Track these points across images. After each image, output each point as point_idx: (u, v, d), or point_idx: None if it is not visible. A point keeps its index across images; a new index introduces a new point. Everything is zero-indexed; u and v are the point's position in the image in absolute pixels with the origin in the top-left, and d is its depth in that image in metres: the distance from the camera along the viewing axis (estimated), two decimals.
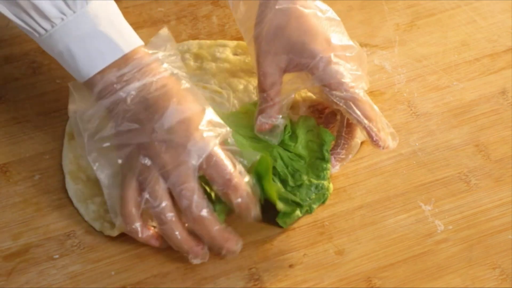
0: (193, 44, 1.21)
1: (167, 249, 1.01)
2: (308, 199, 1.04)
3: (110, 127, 1.00)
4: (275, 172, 1.05)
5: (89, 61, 1.00)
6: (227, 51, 1.21)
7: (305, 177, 1.05)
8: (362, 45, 1.23)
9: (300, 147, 1.07)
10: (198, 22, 1.26)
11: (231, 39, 1.23)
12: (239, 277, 0.99)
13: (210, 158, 0.96)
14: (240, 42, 1.21)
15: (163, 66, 1.01)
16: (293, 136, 1.08)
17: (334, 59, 1.05)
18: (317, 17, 1.08)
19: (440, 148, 1.12)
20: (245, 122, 1.09)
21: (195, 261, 0.98)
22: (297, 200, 1.03)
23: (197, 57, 1.20)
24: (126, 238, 1.02)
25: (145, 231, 0.98)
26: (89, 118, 1.02)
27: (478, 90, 1.18)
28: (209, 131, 0.98)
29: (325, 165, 1.06)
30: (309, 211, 1.04)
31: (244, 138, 1.08)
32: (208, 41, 1.22)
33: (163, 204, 0.96)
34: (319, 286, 0.99)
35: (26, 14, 0.98)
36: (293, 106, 1.12)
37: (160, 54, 1.02)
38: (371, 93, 1.17)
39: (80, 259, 1.01)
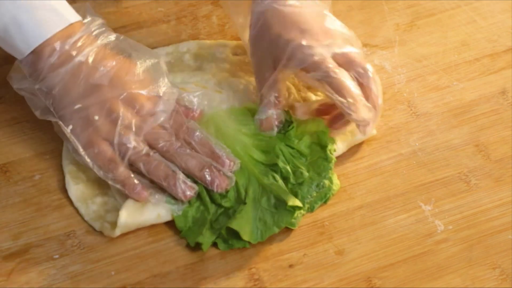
0: (193, 44, 1.21)
1: (167, 249, 1.01)
2: (309, 196, 1.04)
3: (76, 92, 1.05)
4: (277, 169, 1.05)
5: (37, 29, 1.03)
6: (227, 51, 1.21)
7: (306, 175, 1.05)
8: (362, 45, 1.23)
9: (303, 145, 1.08)
10: (198, 22, 1.26)
11: (231, 39, 1.23)
12: (239, 277, 0.99)
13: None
14: (240, 42, 1.21)
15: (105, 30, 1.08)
16: (299, 133, 1.08)
17: (304, 42, 1.06)
18: (295, 12, 1.09)
19: (440, 148, 1.12)
20: (248, 119, 1.10)
21: (189, 193, 1.03)
22: (298, 198, 1.03)
23: (197, 57, 1.20)
24: (126, 238, 1.02)
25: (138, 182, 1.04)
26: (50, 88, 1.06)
27: (478, 90, 1.18)
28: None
29: (327, 165, 1.06)
30: (310, 209, 1.04)
31: (246, 135, 1.08)
32: (208, 41, 1.22)
33: (146, 148, 1.04)
34: (319, 286, 0.99)
35: None
36: (292, 107, 1.12)
37: (97, 22, 1.08)
38: None
39: (80, 259, 1.01)
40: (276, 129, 1.09)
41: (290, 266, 1.01)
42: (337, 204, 1.06)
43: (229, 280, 0.99)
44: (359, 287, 0.99)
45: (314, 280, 0.99)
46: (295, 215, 1.03)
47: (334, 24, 1.10)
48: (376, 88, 1.06)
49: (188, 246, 1.02)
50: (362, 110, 1.04)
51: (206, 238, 1.01)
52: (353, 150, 1.11)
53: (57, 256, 1.01)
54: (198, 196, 1.04)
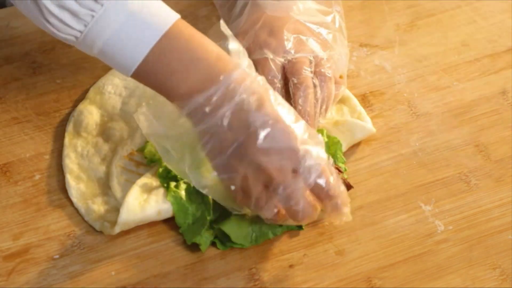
0: None
1: (167, 249, 1.02)
2: None
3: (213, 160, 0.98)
4: None
5: (130, 51, 0.96)
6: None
7: None
8: (362, 45, 1.23)
9: None
10: (198, 22, 1.26)
11: None
12: (239, 277, 0.99)
13: (319, 178, 0.97)
14: None
15: (249, 75, 0.97)
16: None
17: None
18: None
19: (440, 148, 1.12)
20: None
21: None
22: None
23: None
24: (126, 238, 1.02)
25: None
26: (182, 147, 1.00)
27: (478, 90, 1.18)
28: (313, 145, 0.97)
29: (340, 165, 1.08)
30: None
31: None
32: None
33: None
34: (319, 286, 0.99)
35: (56, 19, 0.95)
36: None
37: (245, 63, 0.99)
38: (371, 93, 1.17)
39: (80, 259, 1.01)
40: None
41: (290, 266, 1.01)
42: None
43: (229, 280, 0.99)
44: (359, 287, 0.99)
45: (314, 280, 0.99)
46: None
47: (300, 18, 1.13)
48: (305, 97, 1.08)
49: (188, 246, 1.02)
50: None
51: (204, 238, 1.01)
52: (353, 150, 1.11)
53: (57, 256, 1.01)
54: (200, 194, 1.04)
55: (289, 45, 1.10)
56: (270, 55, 1.10)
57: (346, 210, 0.99)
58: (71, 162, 1.09)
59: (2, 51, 1.22)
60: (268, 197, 0.97)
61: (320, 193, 0.97)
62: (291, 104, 1.04)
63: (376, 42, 1.24)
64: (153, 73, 0.97)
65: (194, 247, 1.01)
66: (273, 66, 1.09)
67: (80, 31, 0.96)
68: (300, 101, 1.07)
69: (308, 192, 0.97)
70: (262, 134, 0.95)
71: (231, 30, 1.15)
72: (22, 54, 1.21)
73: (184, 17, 1.28)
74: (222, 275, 1.00)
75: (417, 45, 1.23)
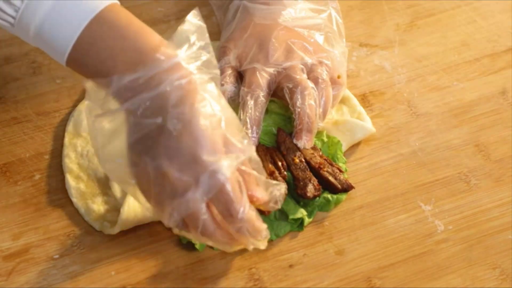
0: None
1: (167, 249, 1.02)
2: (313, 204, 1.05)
3: (120, 140, 0.93)
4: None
5: (62, 35, 0.92)
6: None
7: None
8: (362, 45, 1.23)
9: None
10: None
11: None
12: (239, 277, 0.99)
13: (219, 194, 0.90)
14: None
15: (182, 68, 0.92)
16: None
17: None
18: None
19: (440, 148, 1.12)
20: None
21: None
22: (300, 204, 1.04)
23: None
24: (126, 238, 1.02)
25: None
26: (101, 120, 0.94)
27: (478, 90, 1.18)
28: (224, 158, 0.90)
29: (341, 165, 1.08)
30: (309, 216, 1.04)
31: None
32: None
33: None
34: (319, 286, 0.99)
35: None
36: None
37: (182, 54, 0.93)
38: (371, 93, 1.17)
39: (80, 259, 1.01)
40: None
41: (290, 266, 1.01)
42: (337, 204, 1.06)
43: (229, 280, 0.99)
44: (359, 287, 0.99)
45: (314, 280, 0.99)
46: (297, 224, 1.03)
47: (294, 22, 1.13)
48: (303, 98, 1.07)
49: (187, 246, 1.02)
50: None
51: None
52: (353, 150, 1.11)
53: (57, 256, 1.01)
54: None
55: (276, 55, 1.10)
56: (259, 66, 1.10)
57: (255, 239, 0.93)
58: (71, 162, 1.09)
59: (2, 51, 1.22)
60: (166, 204, 0.91)
61: (223, 213, 0.91)
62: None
63: (376, 42, 1.24)
64: (86, 58, 0.93)
65: (194, 247, 1.01)
66: (259, 77, 1.09)
67: (13, 16, 0.94)
68: (298, 103, 1.07)
69: (211, 210, 0.91)
70: (169, 133, 0.90)
71: (223, 35, 1.16)
72: (22, 54, 1.21)
73: (184, 17, 1.28)
74: (222, 275, 1.00)
75: (417, 45, 1.23)
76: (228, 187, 0.90)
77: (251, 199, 0.93)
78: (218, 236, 0.92)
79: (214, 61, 0.95)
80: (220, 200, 0.90)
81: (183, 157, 0.90)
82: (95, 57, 0.92)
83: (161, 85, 0.90)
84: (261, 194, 0.94)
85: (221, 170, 0.89)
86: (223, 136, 0.92)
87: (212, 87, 0.93)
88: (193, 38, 0.94)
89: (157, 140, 0.90)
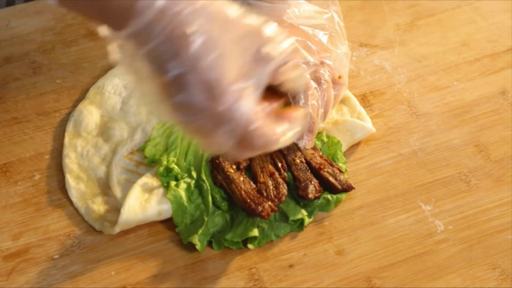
0: None
1: (167, 249, 1.02)
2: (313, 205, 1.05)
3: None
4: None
5: None
6: None
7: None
8: (362, 45, 1.23)
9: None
10: None
11: None
12: (239, 277, 1.00)
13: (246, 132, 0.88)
14: None
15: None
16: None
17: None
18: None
19: (440, 148, 1.12)
20: None
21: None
22: (301, 205, 1.04)
23: None
24: (126, 238, 1.02)
25: None
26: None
27: (478, 90, 1.18)
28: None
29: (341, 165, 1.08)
30: (309, 216, 1.04)
31: None
32: None
33: None
34: (319, 286, 0.99)
35: None
36: None
37: None
38: (371, 93, 1.17)
39: (80, 259, 1.01)
40: None
41: (290, 266, 1.01)
42: (337, 204, 1.06)
43: (229, 280, 0.99)
44: (359, 287, 0.99)
45: (314, 280, 0.99)
46: (297, 225, 1.04)
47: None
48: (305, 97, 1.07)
49: (188, 246, 1.02)
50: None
51: (200, 239, 1.01)
52: (353, 150, 1.11)
53: (57, 256, 1.01)
54: (201, 193, 1.04)
55: None
56: None
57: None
58: (71, 162, 1.09)
59: (2, 51, 1.22)
60: (214, 132, 0.87)
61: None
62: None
63: (376, 42, 1.24)
64: None
65: (194, 247, 1.01)
66: None
67: None
68: (300, 103, 1.06)
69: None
70: (175, 88, 0.85)
71: None
72: (22, 54, 1.21)
73: None
74: (222, 275, 1.00)
75: (417, 45, 1.23)
76: (250, 131, 0.87)
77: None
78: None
79: None
80: (247, 139, 0.88)
81: (196, 109, 0.86)
82: None
83: (153, 35, 0.84)
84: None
85: (251, 103, 0.86)
86: (241, 62, 0.87)
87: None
88: None
89: (164, 97, 0.86)
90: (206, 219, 1.03)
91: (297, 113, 0.93)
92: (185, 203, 1.03)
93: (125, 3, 0.84)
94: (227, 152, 0.89)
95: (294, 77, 0.93)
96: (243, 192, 1.02)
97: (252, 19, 0.88)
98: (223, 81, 0.86)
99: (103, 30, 0.88)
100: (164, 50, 0.85)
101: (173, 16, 0.85)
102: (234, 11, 0.87)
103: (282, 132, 0.91)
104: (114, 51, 0.88)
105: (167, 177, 1.05)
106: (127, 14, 0.85)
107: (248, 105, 0.87)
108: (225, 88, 0.86)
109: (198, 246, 1.01)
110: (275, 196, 1.03)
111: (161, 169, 1.05)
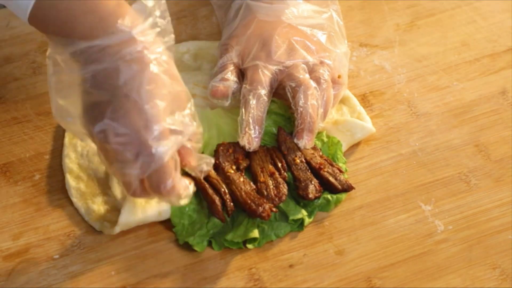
0: (193, 44, 1.21)
1: (167, 249, 1.02)
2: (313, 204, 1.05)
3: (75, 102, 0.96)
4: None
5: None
6: None
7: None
8: (362, 45, 1.23)
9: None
10: (198, 22, 1.26)
11: None
12: (239, 277, 0.99)
13: (153, 174, 0.94)
14: None
15: (137, 41, 0.93)
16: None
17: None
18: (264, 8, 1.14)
19: (440, 148, 1.12)
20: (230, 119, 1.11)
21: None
22: (301, 205, 1.04)
23: (197, 57, 1.20)
24: (126, 238, 1.02)
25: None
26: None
27: (478, 90, 1.18)
28: (164, 142, 0.93)
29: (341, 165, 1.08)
30: (309, 216, 1.04)
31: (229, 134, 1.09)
32: (208, 42, 1.22)
33: None
34: (319, 286, 0.99)
35: None
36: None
37: (139, 26, 0.94)
38: (371, 93, 1.17)
39: (80, 259, 1.01)
40: (229, 100, 1.10)
41: (290, 266, 1.01)
42: (337, 204, 1.06)
43: (229, 280, 0.99)
44: (359, 287, 0.99)
45: (314, 280, 0.99)
46: (297, 225, 1.04)
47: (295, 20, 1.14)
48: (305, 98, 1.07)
49: (188, 246, 1.02)
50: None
51: (197, 240, 1.01)
52: (353, 150, 1.11)
53: (57, 256, 1.01)
54: (200, 197, 1.04)
55: (279, 53, 1.10)
56: (262, 63, 1.09)
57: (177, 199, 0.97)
58: (71, 162, 1.09)
59: (2, 51, 1.22)
60: (111, 166, 0.95)
61: (152, 188, 0.95)
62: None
63: (376, 42, 1.24)
64: (48, 17, 0.94)
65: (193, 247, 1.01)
66: (261, 75, 1.09)
67: None
68: (300, 102, 1.06)
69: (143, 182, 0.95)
70: (116, 110, 0.92)
71: (225, 33, 1.16)
72: (22, 54, 1.21)
73: (184, 17, 1.28)
74: (222, 275, 1.00)
75: (417, 45, 1.23)
76: (163, 169, 0.93)
77: (182, 162, 0.97)
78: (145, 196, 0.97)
79: (170, 28, 0.97)
80: (153, 178, 0.93)
81: (127, 135, 0.92)
82: (56, 17, 0.93)
83: (114, 57, 0.92)
84: (193, 162, 0.98)
85: (160, 155, 0.92)
86: (169, 111, 0.94)
87: (164, 59, 0.95)
88: (150, 3, 0.95)
89: (105, 112, 0.92)
90: (206, 220, 1.03)
91: (191, 186, 0.98)
92: (185, 205, 1.03)
93: (99, 21, 0.92)
94: (133, 189, 0.95)
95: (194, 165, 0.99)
96: (243, 193, 1.02)
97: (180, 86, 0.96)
98: (158, 116, 0.92)
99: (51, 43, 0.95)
100: (110, 72, 0.92)
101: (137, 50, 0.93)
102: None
103: (185, 187, 0.97)
104: (52, 64, 0.95)
105: None
106: (96, 30, 0.92)
107: (170, 147, 0.93)
108: (159, 122, 0.92)
109: (195, 247, 1.01)
110: (275, 195, 1.03)
111: None
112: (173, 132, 0.94)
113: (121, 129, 0.92)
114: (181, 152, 0.97)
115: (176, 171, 0.95)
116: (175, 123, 0.94)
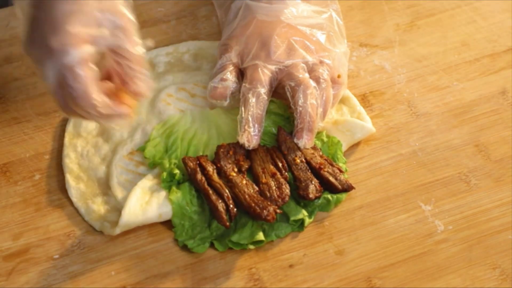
0: (193, 44, 1.21)
1: (167, 249, 1.02)
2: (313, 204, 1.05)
3: None
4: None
5: None
6: None
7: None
8: (362, 45, 1.23)
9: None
10: (198, 22, 1.26)
11: None
12: (239, 277, 0.99)
13: (64, 84, 0.93)
14: None
15: None
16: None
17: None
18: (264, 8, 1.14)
19: (440, 148, 1.12)
20: (228, 119, 1.11)
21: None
22: (301, 205, 1.04)
23: (197, 57, 1.20)
24: (126, 238, 1.02)
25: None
26: None
27: (478, 90, 1.18)
28: (76, 47, 0.92)
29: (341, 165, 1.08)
30: (309, 216, 1.04)
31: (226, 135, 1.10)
32: (208, 42, 1.22)
33: None
34: (319, 286, 0.99)
35: None
36: None
37: None
38: (371, 93, 1.17)
39: (80, 259, 1.01)
40: (228, 101, 1.10)
41: (290, 266, 1.01)
42: (337, 204, 1.06)
43: (229, 280, 0.99)
44: (359, 287, 0.99)
45: (314, 280, 0.99)
46: (297, 225, 1.04)
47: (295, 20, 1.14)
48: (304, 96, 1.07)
49: (187, 246, 1.02)
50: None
51: (197, 243, 1.01)
52: (353, 150, 1.11)
53: (57, 256, 1.01)
54: (201, 200, 1.04)
55: (278, 53, 1.10)
56: (261, 63, 1.10)
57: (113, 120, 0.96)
58: (71, 162, 1.09)
59: (2, 51, 1.22)
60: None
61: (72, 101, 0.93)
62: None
63: (376, 42, 1.24)
64: None
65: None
66: (261, 74, 1.09)
67: None
68: (300, 102, 1.07)
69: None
70: (36, 22, 0.93)
71: (224, 33, 1.16)
72: (22, 54, 1.21)
73: (184, 17, 1.28)
74: (222, 275, 1.00)
75: (417, 45, 1.23)
76: (73, 79, 0.91)
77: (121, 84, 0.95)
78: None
79: None
80: (67, 91, 0.92)
81: (37, 44, 0.92)
82: None
83: None
84: (139, 87, 0.96)
85: (65, 63, 0.91)
86: (89, 15, 0.93)
87: None
88: None
89: (30, 26, 0.93)
90: (206, 223, 1.03)
91: (131, 102, 0.95)
92: (186, 206, 1.03)
93: None
94: (60, 105, 0.93)
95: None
96: (247, 196, 1.02)
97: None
98: (66, 25, 0.91)
99: None
100: None
101: None
102: None
103: (102, 102, 0.93)
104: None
105: (170, 182, 1.05)
106: None
107: (80, 54, 0.91)
108: (65, 29, 0.91)
109: (194, 250, 1.01)
110: (278, 196, 1.03)
111: (165, 174, 1.05)
112: (92, 37, 0.92)
113: (37, 40, 0.92)
114: (118, 71, 0.95)
115: (96, 86, 0.93)
116: (90, 28, 0.92)
